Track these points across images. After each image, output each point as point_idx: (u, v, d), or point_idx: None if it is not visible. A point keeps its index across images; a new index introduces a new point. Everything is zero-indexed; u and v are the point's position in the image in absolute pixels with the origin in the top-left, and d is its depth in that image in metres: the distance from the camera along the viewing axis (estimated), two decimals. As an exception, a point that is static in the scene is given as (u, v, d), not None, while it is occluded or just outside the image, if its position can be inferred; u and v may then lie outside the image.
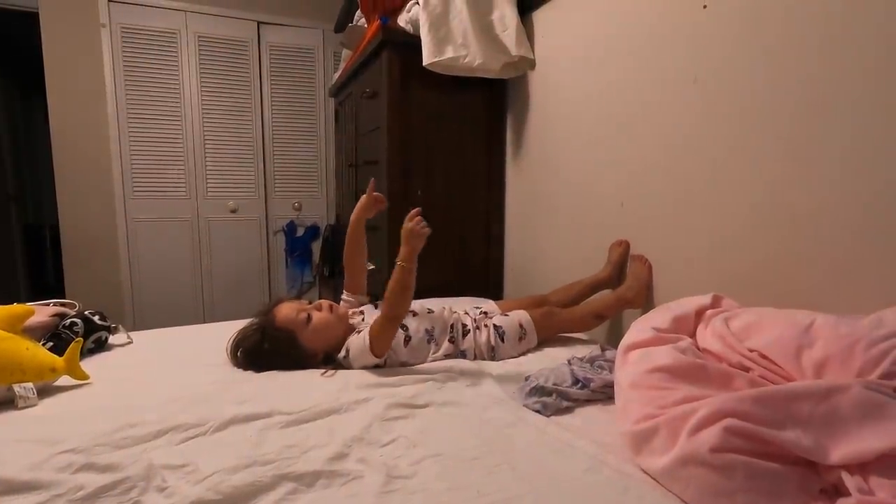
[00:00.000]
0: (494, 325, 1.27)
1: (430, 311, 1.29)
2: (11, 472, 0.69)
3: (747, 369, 0.81)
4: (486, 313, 1.35)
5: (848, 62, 0.90)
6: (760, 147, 1.07)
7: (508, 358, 1.26)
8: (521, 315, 1.31)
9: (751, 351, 0.84)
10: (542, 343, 1.32)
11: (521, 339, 1.28)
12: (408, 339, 1.20)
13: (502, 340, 1.25)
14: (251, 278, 3.19)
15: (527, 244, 1.97)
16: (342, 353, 1.16)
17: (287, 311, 1.17)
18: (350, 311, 1.30)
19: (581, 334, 1.44)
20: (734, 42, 1.11)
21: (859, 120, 0.89)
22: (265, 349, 1.14)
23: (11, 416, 0.91)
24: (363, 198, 1.34)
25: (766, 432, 0.62)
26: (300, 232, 3.26)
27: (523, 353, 1.27)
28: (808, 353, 0.77)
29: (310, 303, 1.21)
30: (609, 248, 1.49)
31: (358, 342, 1.13)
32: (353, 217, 1.36)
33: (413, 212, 1.11)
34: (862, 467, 0.60)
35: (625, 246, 1.44)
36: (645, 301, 1.39)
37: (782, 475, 0.61)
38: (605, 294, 1.43)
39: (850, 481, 0.59)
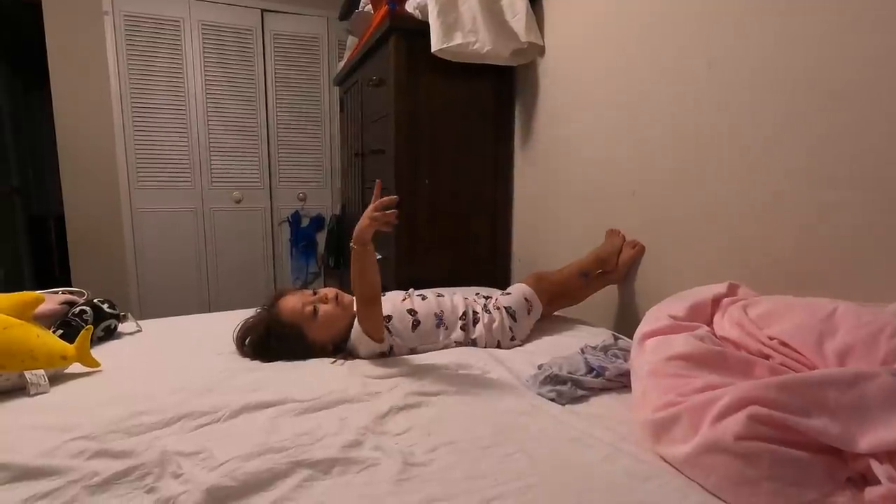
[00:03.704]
0: (505, 307, 1.26)
1: (441, 296, 1.28)
2: (25, 458, 0.69)
3: (767, 357, 0.80)
4: (488, 297, 1.35)
5: (871, 49, 0.88)
6: (778, 135, 1.04)
7: (524, 334, 1.27)
8: (522, 289, 1.32)
9: (771, 339, 0.83)
10: (553, 330, 1.32)
11: (529, 311, 1.29)
12: (416, 324, 1.19)
13: (514, 319, 1.26)
14: (256, 269, 3.18)
15: (535, 234, 1.95)
16: (349, 343, 1.15)
17: (292, 304, 1.15)
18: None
19: (591, 323, 1.43)
20: (750, 25, 1.08)
21: (882, 109, 0.87)
22: (272, 344, 1.13)
23: (24, 402, 0.90)
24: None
25: (791, 420, 0.61)
26: (305, 222, 3.25)
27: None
28: (830, 341, 0.75)
29: (314, 293, 1.19)
30: (606, 234, 1.51)
31: (356, 330, 1.12)
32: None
33: (388, 200, 0.99)
34: (891, 455, 0.58)
35: (640, 249, 1.43)
36: (624, 276, 1.46)
37: (808, 463, 0.60)
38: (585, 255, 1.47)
39: (879, 469, 0.58)
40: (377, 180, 1.04)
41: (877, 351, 0.70)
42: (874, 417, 0.60)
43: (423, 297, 1.26)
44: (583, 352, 1.07)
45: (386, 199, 1.00)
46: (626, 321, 1.49)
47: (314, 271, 3.28)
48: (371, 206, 0.99)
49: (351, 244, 1.03)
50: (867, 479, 0.60)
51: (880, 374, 0.63)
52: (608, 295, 1.54)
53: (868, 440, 0.59)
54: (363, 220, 1.00)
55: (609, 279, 1.46)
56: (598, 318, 1.53)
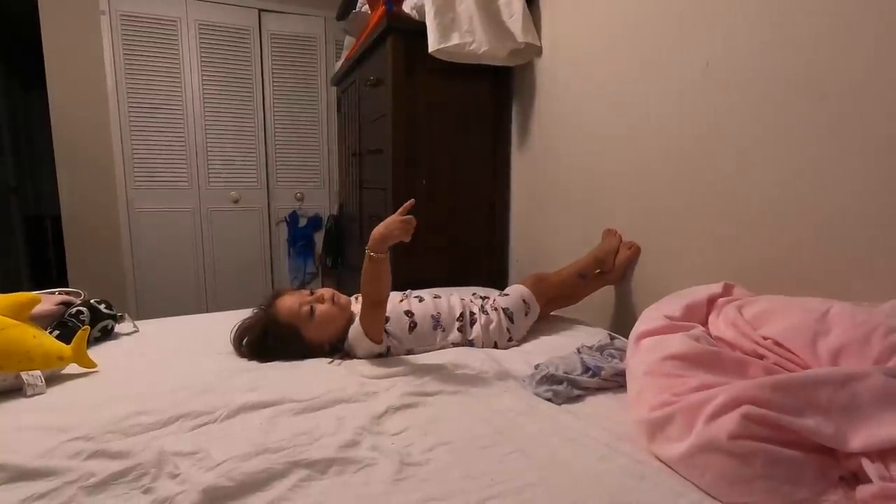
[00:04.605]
0: (503, 309, 1.27)
1: (437, 297, 1.29)
2: (23, 459, 0.69)
3: (761, 357, 0.81)
4: (484, 298, 1.35)
5: (868, 49, 0.88)
6: (774, 136, 1.05)
7: (521, 336, 1.28)
8: (520, 290, 1.32)
9: (765, 339, 0.83)
10: (549, 330, 1.33)
11: (527, 313, 1.30)
12: (413, 326, 1.20)
13: (512, 321, 1.26)
14: (254, 269, 3.18)
15: (532, 233, 1.96)
16: (346, 341, 1.15)
17: (289, 304, 1.15)
18: (354, 298, 1.29)
19: (588, 323, 1.43)
20: (748, 25, 1.09)
21: (877, 109, 0.87)
22: (269, 345, 1.13)
23: (20, 403, 0.90)
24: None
25: (785, 419, 0.61)
26: (303, 222, 3.24)
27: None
28: (823, 340, 0.76)
29: (311, 293, 1.19)
30: (602, 234, 1.51)
31: (355, 329, 1.13)
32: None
33: (407, 204, 1.03)
34: (882, 454, 0.59)
35: (636, 250, 1.44)
36: (621, 277, 1.47)
37: (801, 462, 0.61)
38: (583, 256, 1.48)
39: (870, 468, 0.58)
40: (412, 200, 1.05)
41: (870, 350, 0.71)
42: (866, 417, 0.60)
43: (421, 299, 1.27)
44: (579, 351, 1.08)
45: (408, 203, 1.03)
46: (622, 321, 1.50)
47: (312, 271, 3.28)
48: (399, 212, 1.01)
49: (368, 251, 1.01)
50: (859, 478, 0.60)
51: (872, 373, 0.63)
52: (605, 295, 1.54)
53: (860, 439, 0.59)
54: (389, 229, 1.00)
55: (606, 279, 1.47)
56: (594, 317, 1.53)
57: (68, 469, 0.68)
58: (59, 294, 1.28)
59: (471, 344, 1.23)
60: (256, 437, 0.77)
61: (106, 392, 0.95)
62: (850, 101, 0.91)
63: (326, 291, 1.20)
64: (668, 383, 0.75)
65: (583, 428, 0.82)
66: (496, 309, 1.27)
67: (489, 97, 1.97)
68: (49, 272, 4.17)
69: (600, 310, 1.57)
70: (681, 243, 1.30)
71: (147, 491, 0.66)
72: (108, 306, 1.29)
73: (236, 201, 3.08)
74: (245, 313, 1.23)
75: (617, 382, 0.98)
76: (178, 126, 2.91)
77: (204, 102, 2.94)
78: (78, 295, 1.31)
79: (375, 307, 1.08)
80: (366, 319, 1.09)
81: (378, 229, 1.01)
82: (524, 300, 1.30)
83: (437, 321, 1.23)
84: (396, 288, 1.42)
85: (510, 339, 1.25)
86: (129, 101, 2.80)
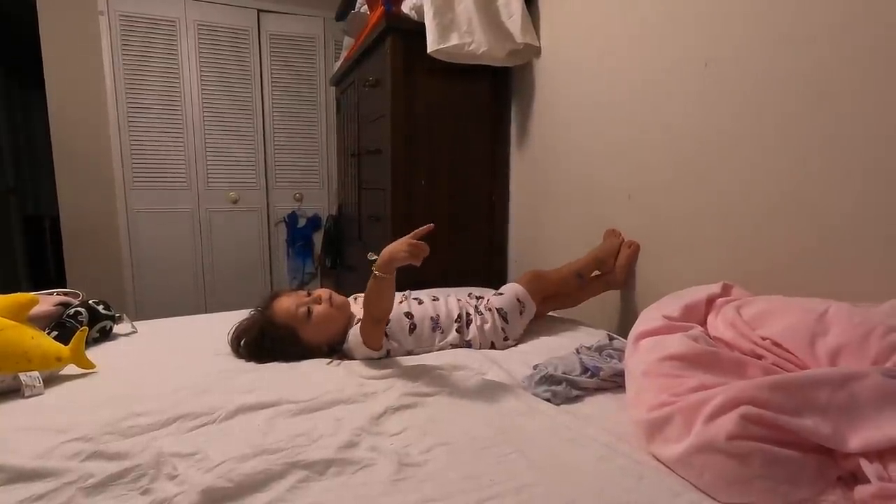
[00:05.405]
0: (497, 309, 1.26)
1: (436, 299, 1.29)
2: (20, 460, 0.69)
3: (760, 357, 0.81)
4: (480, 297, 1.34)
5: (867, 49, 0.88)
6: (774, 136, 1.05)
7: (517, 335, 1.27)
8: (514, 289, 1.31)
9: (763, 339, 0.83)
10: (548, 330, 1.32)
11: (521, 312, 1.29)
12: (413, 328, 1.20)
13: (506, 321, 1.26)
14: (253, 269, 3.18)
15: (531, 234, 1.96)
16: (345, 344, 1.15)
17: (287, 305, 1.15)
18: (352, 299, 1.29)
19: (587, 323, 1.43)
20: (747, 25, 1.09)
21: (877, 111, 0.87)
22: (266, 346, 1.13)
23: (18, 404, 0.90)
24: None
25: (783, 419, 0.61)
26: (302, 223, 3.24)
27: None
28: (822, 340, 0.76)
29: (309, 294, 1.19)
30: (604, 235, 1.51)
31: (354, 335, 1.12)
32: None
33: (423, 229, 1.02)
34: (881, 455, 0.59)
35: (635, 249, 1.43)
36: (624, 281, 1.45)
37: (799, 462, 0.61)
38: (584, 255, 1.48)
39: (868, 468, 0.58)
40: (431, 225, 1.03)
41: (868, 351, 0.71)
42: (864, 417, 0.61)
43: (420, 302, 1.27)
44: (578, 352, 1.08)
45: (424, 228, 1.01)
46: (622, 321, 1.50)
47: (311, 272, 3.28)
48: (409, 236, 1.00)
49: (375, 270, 1.01)
50: (857, 478, 0.61)
51: (870, 373, 0.63)
52: (605, 295, 1.54)
53: (858, 439, 0.60)
54: (395, 251, 0.99)
55: (608, 281, 1.46)
56: (594, 318, 1.53)
57: (67, 470, 0.68)
58: (58, 295, 1.28)
59: (468, 345, 1.23)
60: (255, 437, 0.77)
61: (104, 393, 0.95)
62: (850, 102, 0.91)
63: (324, 292, 1.20)
64: (667, 384, 0.75)
65: (581, 428, 0.82)
66: (490, 309, 1.27)
67: (488, 97, 1.98)
68: (47, 273, 4.16)
69: (600, 310, 1.57)
70: (681, 244, 1.30)
71: (145, 492, 0.66)
72: (107, 307, 1.29)
73: (235, 202, 3.08)
74: (244, 314, 1.23)
75: (616, 383, 0.98)
76: (177, 126, 2.91)
77: (203, 103, 2.94)
78: (76, 295, 1.31)
79: (377, 323, 1.09)
80: (366, 330, 1.10)
81: (386, 249, 1.01)
82: (518, 299, 1.29)
83: (435, 323, 1.23)
84: (396, 288, 1.42)
85: (506, 339, 1.25)
86: (127, 101, 2.80)
